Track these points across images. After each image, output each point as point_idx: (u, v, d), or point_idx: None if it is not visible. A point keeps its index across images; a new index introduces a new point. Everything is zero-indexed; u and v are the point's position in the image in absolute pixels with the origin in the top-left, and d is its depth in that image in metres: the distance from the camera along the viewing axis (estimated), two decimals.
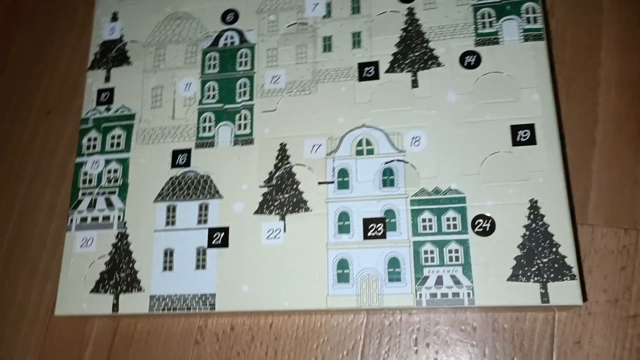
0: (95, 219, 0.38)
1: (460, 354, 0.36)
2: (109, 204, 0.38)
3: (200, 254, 0.36)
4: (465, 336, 0.36)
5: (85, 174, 0.39)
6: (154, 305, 0.36)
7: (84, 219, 0.38)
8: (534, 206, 0.33)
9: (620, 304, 0.35)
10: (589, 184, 0.37)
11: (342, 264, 0.34)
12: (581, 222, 0.36)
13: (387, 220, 0.34)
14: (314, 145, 0.37)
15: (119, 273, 0.37)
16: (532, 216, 0.33)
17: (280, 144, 0.37)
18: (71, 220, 0.38)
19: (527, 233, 0.33)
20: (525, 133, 0.34)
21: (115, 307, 0.36)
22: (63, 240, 0.38)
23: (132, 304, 0.36)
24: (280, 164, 0.37)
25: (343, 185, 0.36)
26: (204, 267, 0.36)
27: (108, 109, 0.41)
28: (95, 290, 0.37)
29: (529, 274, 0.32)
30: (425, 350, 0.36)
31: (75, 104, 0.46)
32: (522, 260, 0.32)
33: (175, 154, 0.38)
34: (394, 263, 0.34)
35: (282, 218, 0.36)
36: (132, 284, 0.36)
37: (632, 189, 0.37)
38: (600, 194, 0.37)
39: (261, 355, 0.38)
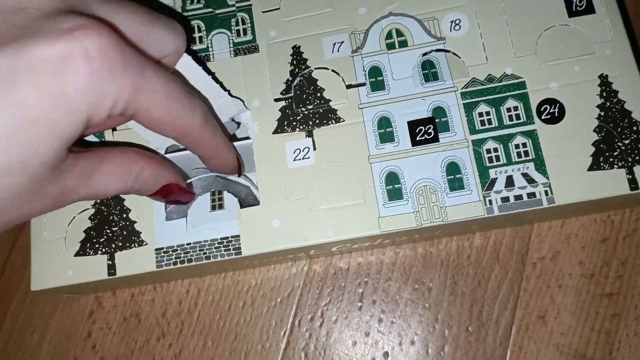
0: None
1: (409, 315, 0.31)
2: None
3: (216, 193, 0.29)
4: (418, 297, 0.32)
5: None
6: (162, 260, 0.28)
7: None
8: (604, 82, 0.28)
9: (596, 280, 0.31)
10: None
11: (392, 178, 0.28)
12: None
13: (437, 120, 0.29)
14: (334, 44, 0.30)
15: (109, 227, 0.29)
16: (604, 94, 0.28)
17: (293, 47, 0.30)
18: None
19: (602, 114, 0.28)
20: (580, 1, 0.29)
21: (112, 268, 0.29)
22: None
23: (134, 262, 0.29)
24: (297, 71, 0.30)
25: (377, 86, 0.29)
26: (221, 207, 0.29)
27: None
28: (82, 252, 0.29)
29: (611, 159, 0.27)
30: (370, 308, 0.32)
31: None
32: (602, 146, 0.28)
33: None
34: (453, 168, 0.28)
35: (309, 134, 0.29)
36: (130, 237, 0.29)
37: None
38: None
39: (182, 292, 0.33)
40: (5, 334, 0.34)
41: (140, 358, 0.32)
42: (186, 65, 0.26)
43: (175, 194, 0.25)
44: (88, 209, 0.30)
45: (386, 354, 0.31)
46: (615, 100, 0.28)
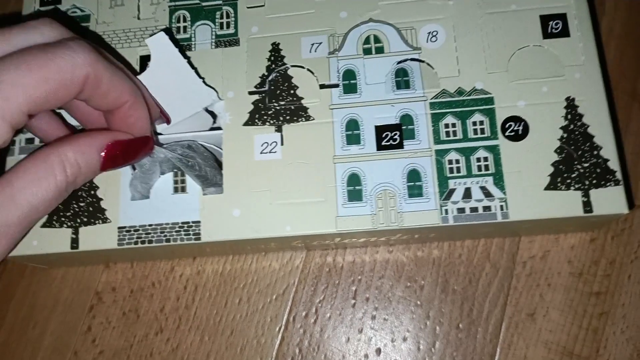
0: None
1: (401, 313, 0.32)
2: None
3: (179, 175, 0.30)
4: (410, 294, 0.32)
5: None
6: (123, 239, 0.29)
7: (29, 140, 0.31)
8: (571, 105, 0.29)
9: (585, 279, 0.32)
10: None
11: (353, 180, 0.29)
12: None
13: (404, 127, 0.29)
14: (312, 44, 0.31)
15: (77, 202, 0.30)
16: (569, 116, 0.29)
17: (272, 44, 0.31)
18: (13, 142, 0.31)
19: (565, 135, 0.28)
20: (556, 24, 0.30)
21: (75, 242, 0.29)
22: (4, 167, 0.31)
23: (96, 238, 0.29)
24: (273, 67, 0.31)
25: (350, 89, 0.30)
26: (183, 190, 0.30)
27: (55, 10, 0.33)
28: (48, 224, 0.30)
29: (568, 181, 0.28)
30: (364, 305, 0.32)
31: (11, 3, 0.38)
32: (561, 167, 0.28)
33: (144, 60, 0.31)
34: (414, 176, 0.29)
35: (279, 129, 0.30)
36: (95, 214, 0.30)
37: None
38: None
39: (179, 288, 0.34)
40: (7, 327, 0.34)
41: (139, 352, 0.33)
42: (163, 47, 0.27)
43: (125, 153, 0.24)
44: None
45: (378, 350, 0.32)
46: (579, 123, 0.28)
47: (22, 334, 0.34)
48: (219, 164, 0.29)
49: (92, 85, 0.22)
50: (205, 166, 0.29)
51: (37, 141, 0.31)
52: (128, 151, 0.25)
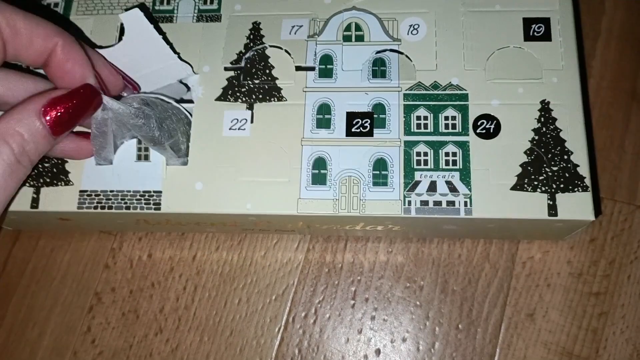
0: None
1: (401, 313, 0.32)
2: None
3: (142, 142, 0.29)
4: (410, 294, 0.32)
5: None
6: (83, 202, 0.29)
7: None
8: (545, 108, 0.28)
9: (584, 279, 0.31)
10: None
11: (319, 163, 0.29)
12: None
13: (375, 116, 0.29)
14: (293, 26, 0.31)
15: (42, 162, 0.30)
16: (542, 119, 0.28)
17: (253, 23, 0.31)
18: None
19: (536, 138, 0.28)
20: (539, 27, 0.30)
21: (35, 202, 0.29)
22: None
23: (57, 199, 0.29)
24: (252, 45, 0.31)
25: (325, 73, 0.30)
26: (147, 158, 0.29)
27: None
28: None
29: (535, 183, 0.27)
30: (363, 306, 0.32)
31: None
32: (529, 168, 0.28)
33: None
34: (380, 165, 0.28)
35: (250, 107, 0.30)
36: (58, 176, 0.29)
37: (616, 154, 0.33)
38: None
39: (179, 289, 0.33)
40: (6, 327, 0.34)
41: (138, 353, 0.33)
42: (137, 22, 0.27)
43: (70, 110, 0.23)
44: None
45: (378, 351, 0.32)
46: (552, 127, 0.28)
47: (21, 335, 0.33)
48: (183, 124, 0.29)
49: (9, 35, 0.21)
50: (163, 124, 0.27)
51: None
52: (73, 107, 0.23)
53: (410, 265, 0.33)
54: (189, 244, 0.34)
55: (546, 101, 0.28)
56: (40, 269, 0.34)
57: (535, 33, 0.30)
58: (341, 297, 0.32)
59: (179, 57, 0.30)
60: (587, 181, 0.27)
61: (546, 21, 0.30)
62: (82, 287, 0.34)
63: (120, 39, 0.31)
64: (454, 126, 0.29)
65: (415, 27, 0.30)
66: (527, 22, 0.30)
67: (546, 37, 0.30)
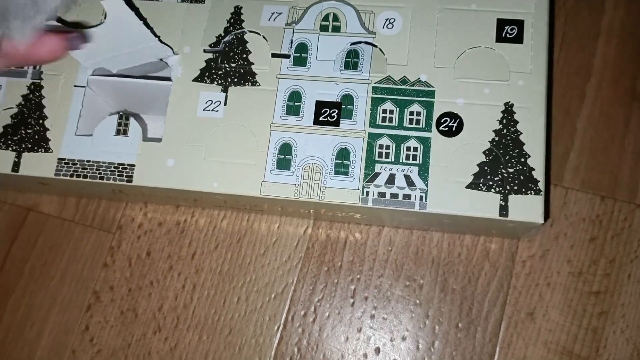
0: None
1: (400, 312, 0.32)
2: None
3: (123, 118, 0.31)
4: (409, 293, 0.32)
5: None
6: (61, 170, 0.31)
7: None
8: (508, 110, 0.29)
9: (584, 278, 0.32)
10: (570, 144, 0.34)
11: (285, 149, 0.30)
12: (555, 183, 0.33)
13: (343, 106, 0.30)
14: (273, 13, 0.31)
15: (25, 129, 0.31)
16: (504, 121, 0.29)
17: (235, 7, 0.32)
18: None
19: (496, 139, 0.29)
20: (512, 29, 0.30)
21: (16, 165, 0.31)
22: None
23: (36, 165, 0.31)
24: (231, 29, 0.31)
25: (300, 61, 0.31)
26: (125, 133, 0.31)
27: None
28: None
29: (490, 183, 0.28)
30: (362, 305, 0.33)
31: None
32: (486, 168, 0.29)
33: None
34: (343, 154, 0.29)
35: (225, 90, 0.31)
36: (39, 143, 0.31)
37: (616, 153, 0.33)
38: (581, 154, 0.33)
39: (178, 287, 0.34)
40: (5, 327, 0.35)
41: (137, 351, 0.33)
42: (118, 7, 0.28)
43: (31, 54, 0.25)
44: (12, 107, 0.32)
45: (377, 350, 0.32)
46: (512, 129, 0.29)
47: (20, 334, 0.34)
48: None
49: None
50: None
51: None
52: (36, 52, 0.25)
53: (410, 263, 0.33)
54: (187, 242, 0.34)
55: (510, 103, 0.29)
56: (39, 268, 0.35)
57: (507, 35, 0.30)
58: (341, 296, 0.33)
59: (160, 40, 0.31)
60: (541, 185, 0.28)
61: (520, 23, 0.30)
62: (80, 286, 0.34)
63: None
64: (417, 122, 0.29)
65: (392, 21, 0.31)
66: (501, 23, 0.30)
67: (518, 39, 0.30)
